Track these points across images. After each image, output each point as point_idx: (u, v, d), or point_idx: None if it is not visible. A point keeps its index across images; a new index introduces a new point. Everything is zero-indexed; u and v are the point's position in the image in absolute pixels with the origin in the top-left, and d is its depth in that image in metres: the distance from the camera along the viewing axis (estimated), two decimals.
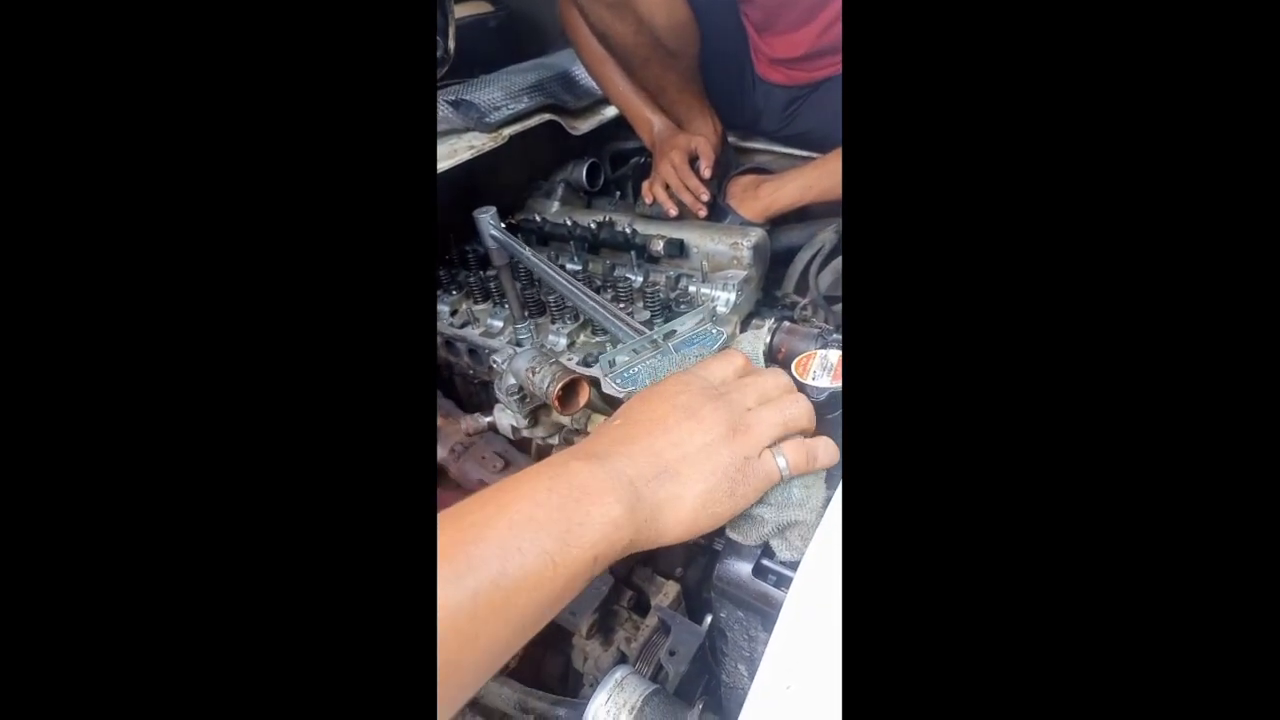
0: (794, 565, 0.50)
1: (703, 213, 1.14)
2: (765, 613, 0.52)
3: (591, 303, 0.77)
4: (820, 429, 0.58)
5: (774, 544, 0.53)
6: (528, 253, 0.81)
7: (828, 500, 0.53)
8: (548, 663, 0.90)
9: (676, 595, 0.88)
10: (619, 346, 0.71)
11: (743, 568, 0.54)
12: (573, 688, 0.87)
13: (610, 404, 0.84)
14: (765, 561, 0.53)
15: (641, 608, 0.87)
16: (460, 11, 0.99)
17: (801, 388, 0.64)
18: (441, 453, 0.96)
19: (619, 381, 0.66)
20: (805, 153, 1.30)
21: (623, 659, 0.81)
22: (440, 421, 1.00)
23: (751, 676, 0.46)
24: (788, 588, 0.48)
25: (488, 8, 1.67)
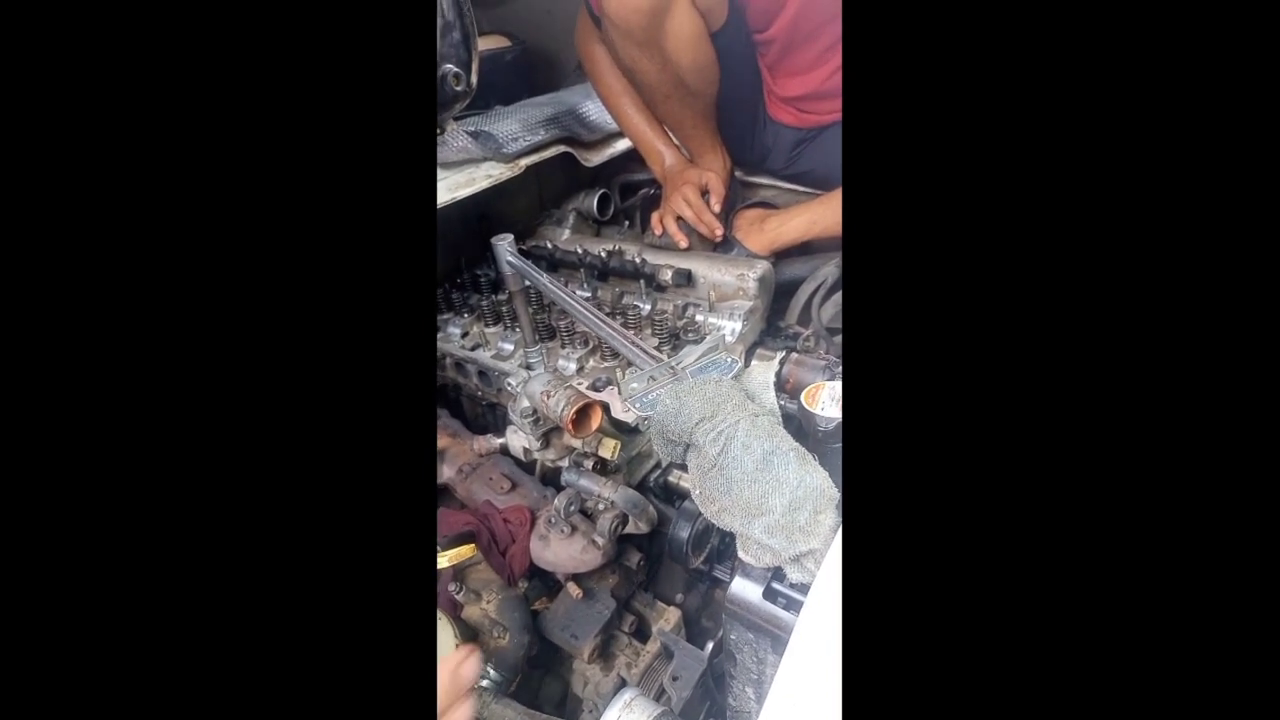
0: (804, 588, 0.52)
1: (719, 241, 1.19)
2: (775, 635, 0.53)
3: (610, 329, 0.80)
4: (827, 459, 0.59)
5: (787, 567, 0.54)
6: (545, 279, 0.84)
7: (837, 526, 0.54)
8: (545, 687, 0.89)
9: (677, 621, 0.88)
10: (634, 372, 0.73)
11: (753, 590, 0.55)
12: (570, 712, 0.87)
13: (619, 428, 0.85)
14: (775, 585, 0.55)
15: (642, 634, 0.87)
16: (479, 45, 1.03)
17: (810, 417, 0.67)
18: (449, 472, 0.97)
19: (638, 406, 0.68)
20: (807, 189, 1.35)
21: (623, 684, 0.81)
22: (448, 442, 1.01)
23: (759, 700, 0.47)
24: (798, 611, 0.49)
25: (505, 42, 1.73)
